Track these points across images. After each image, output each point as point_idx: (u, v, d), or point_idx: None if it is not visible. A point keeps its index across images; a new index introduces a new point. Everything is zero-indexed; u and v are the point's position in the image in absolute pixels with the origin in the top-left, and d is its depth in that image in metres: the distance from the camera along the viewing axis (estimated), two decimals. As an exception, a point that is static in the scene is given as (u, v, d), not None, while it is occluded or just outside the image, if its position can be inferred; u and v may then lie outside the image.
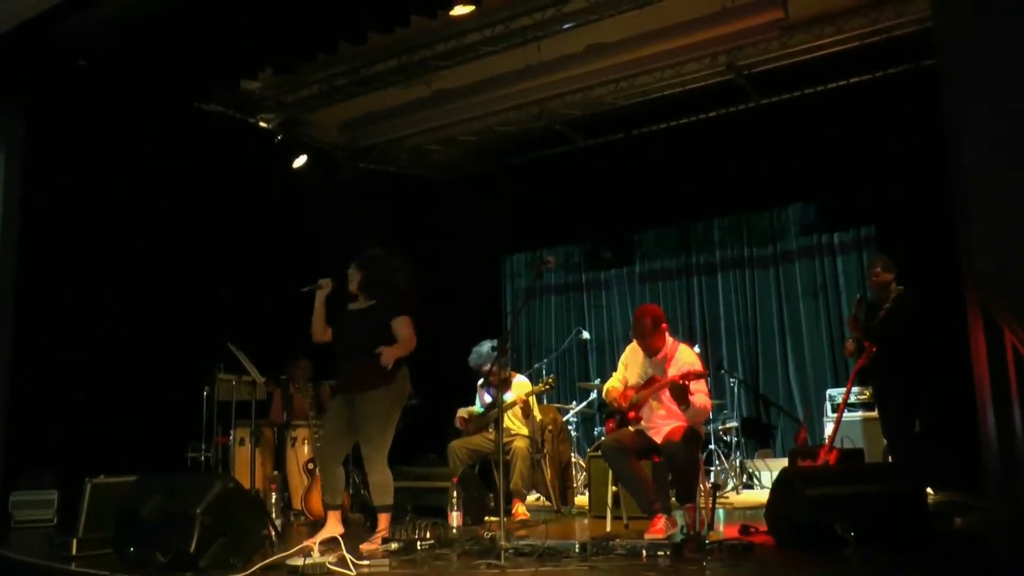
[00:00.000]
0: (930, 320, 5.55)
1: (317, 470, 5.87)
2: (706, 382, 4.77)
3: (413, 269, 4.78)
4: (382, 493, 4.48)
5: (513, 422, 6.20)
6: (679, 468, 4.49)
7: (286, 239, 7.85)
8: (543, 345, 9.69)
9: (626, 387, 4.94)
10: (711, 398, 4.99)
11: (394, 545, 4.19)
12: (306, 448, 6.33)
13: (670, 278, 9.22)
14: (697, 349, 5.86)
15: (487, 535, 4.32)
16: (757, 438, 8.32)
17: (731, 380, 8.23)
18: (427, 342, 4.77)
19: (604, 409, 7.80)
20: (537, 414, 6.44)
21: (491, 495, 5.92)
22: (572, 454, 7.08)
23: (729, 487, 7.24)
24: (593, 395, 8.26)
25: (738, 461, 7.49)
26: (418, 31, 6.49)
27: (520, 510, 5.96)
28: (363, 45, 6.22)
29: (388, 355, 4.41)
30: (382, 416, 4.47)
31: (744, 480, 7.44)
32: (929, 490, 5.31)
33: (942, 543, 4.17)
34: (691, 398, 4.47)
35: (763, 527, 4.51)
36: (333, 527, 4.53)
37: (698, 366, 4.64)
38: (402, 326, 4.54)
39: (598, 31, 6.85)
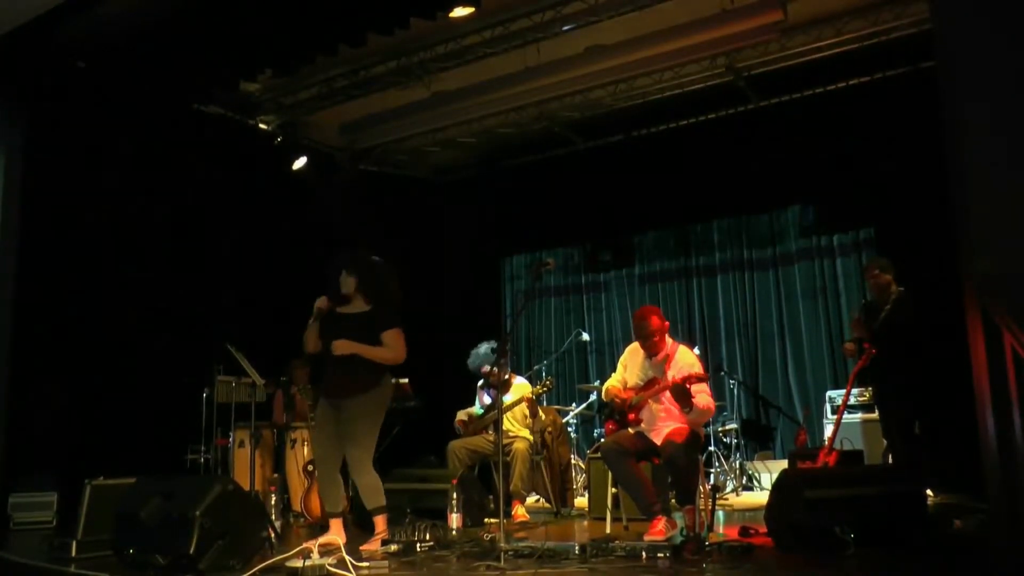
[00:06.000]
0: (929, 321, 5.55)
1: (316, 472, 5.87)
2: (707, 384, 4.76)
3: (399, 274, 4.78)
4: (373, 495, 4.46)
5: (512, 424, 6.20)
6: (679, 470, 4.49)
7: (285, 241, 7.85)
8: (542, 347, 9.69)
9: (625, 388, 4.93)
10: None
11: (393, 547, 4.19)
12: (306, 450, 6.32)
13: (670, 280, 9.21)
14: (697, 351, 5.86)
15: (487, 537, 4.31)
16: (757, 440, 8.32)
17: (731, 382, 8.23)
18: (427, 343, 4.76)
19: (604, 411, 7.79)
20: (540, 414, 6.44)
21: (490, 497, 5.91)
22: (572, 456, 7.08)
23: (729, 489, 7.24)
24: (593, 397, 8.25)
25: (738, 463, 7.50)
26: (417, 33, 6.49)
27: (520, 512, 5.96)
28: (362, 47, 6.22)
29: (353, 347, 4.43)
30: (368, 417, 4.48)
31: (744, 482, 7.44)
32: (928, 492, 5.31)
33: (941, 545, 4.17)
34: (693, 400, 4.48)
35: (763, 529, 4.51)
36: (335, 534, 4.50)
37: (698, 368, 4.64)
38: (393, 338, 4.55)
39: (597, 33, 6.85)
